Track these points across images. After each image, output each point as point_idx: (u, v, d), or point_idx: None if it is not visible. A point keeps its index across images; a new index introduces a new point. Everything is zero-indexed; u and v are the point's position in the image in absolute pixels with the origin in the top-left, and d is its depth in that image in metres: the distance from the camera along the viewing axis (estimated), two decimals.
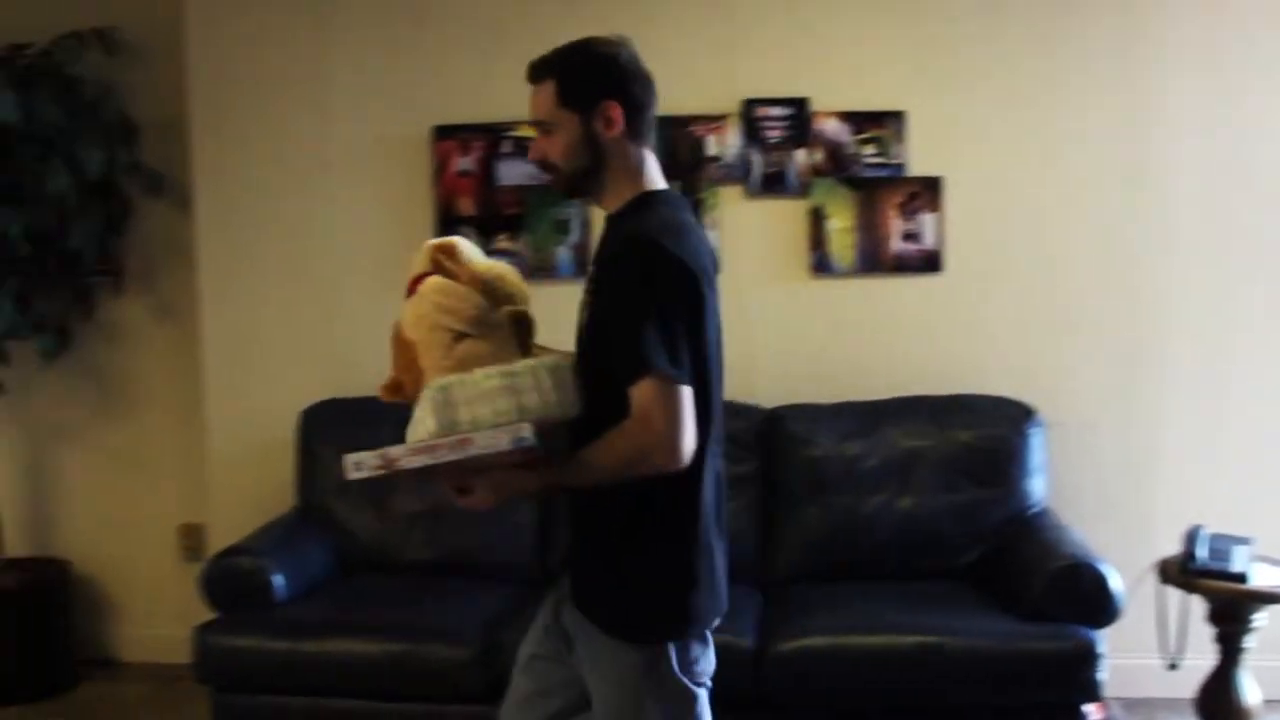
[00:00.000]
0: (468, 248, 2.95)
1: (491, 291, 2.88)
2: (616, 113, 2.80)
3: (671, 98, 5.14)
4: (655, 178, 2.89)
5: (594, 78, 2.83)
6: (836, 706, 4.26)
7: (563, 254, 5.25)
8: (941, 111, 5.14)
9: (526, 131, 5.20)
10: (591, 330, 2.79)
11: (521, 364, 2.75)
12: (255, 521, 5.01)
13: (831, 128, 5.13)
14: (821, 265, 5.16)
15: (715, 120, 5.16)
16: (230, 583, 4.54)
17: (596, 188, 2.87)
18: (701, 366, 2.72)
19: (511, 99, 5.21)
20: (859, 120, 5.13)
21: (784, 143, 5.14)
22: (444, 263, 2.88)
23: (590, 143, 2.81)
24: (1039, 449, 4.89)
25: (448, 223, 5.26)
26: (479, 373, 2.72)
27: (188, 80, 5.44)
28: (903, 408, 4.97)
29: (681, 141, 5.16)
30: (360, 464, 2.71)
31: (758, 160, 5.16)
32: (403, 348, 2.89)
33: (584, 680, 2.90)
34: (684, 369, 2.65)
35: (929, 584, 4.68)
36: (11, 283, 5.31)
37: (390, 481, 2.85)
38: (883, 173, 5.13)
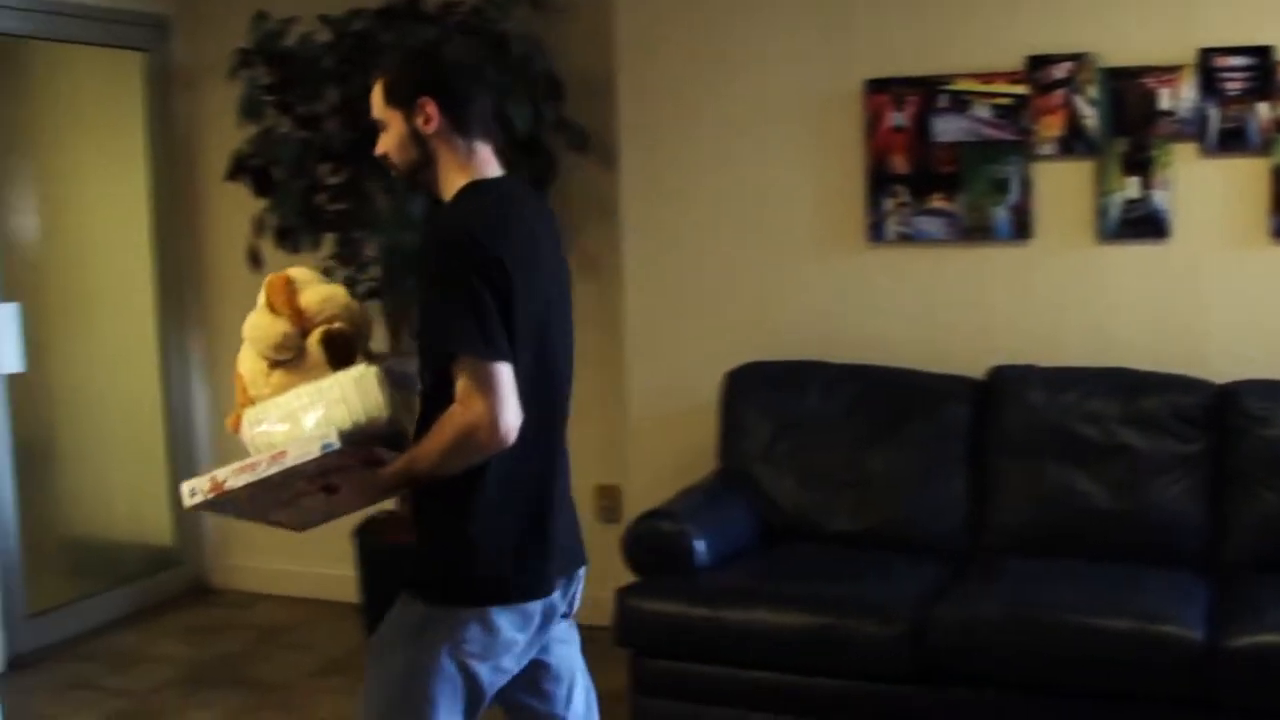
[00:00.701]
0: (303, 277, 3.17)
1: (309, 318, 3.08)
2: (432, 109, 2.94)
3: (1120, 48, 4.87)
4: (485, 168, 3.00)
5: (410, 77, 3.00)
6: None
7: (1000, 215, 4.97)
8: None
9: (964, 85, 4.96)
10: (419, 323, 2.95)
11: (329, 380, 2.98)
12: (672, 485, 4.94)
13: None
14: None
15: (1168, 72, 4.78)
16: (652, 546, 4.48)
17: (432, 180, 3.01)
18: (514, 348, 2.82)
19: (948, 51, 5.03)
20: None
21: (1245, 95, 4.72)
22: (270, 296, 3.11)
23: (415, 138, 2.96)
24: None
25: (879, 181, 5.06)
26: (290, 394, 2.99)
27: (615, 37, 5.40)
28: None
29: (1131, 95, 4.82)
30: (194, 489, 2.88)
31: (1215, 115, 4.75)
32: (238, 382, 3.13)
33: None
34: (497, 347, 2.76)
35: None
36: None
37: (243, 505, 3.00)
38: None
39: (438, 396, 2.83)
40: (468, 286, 2.76)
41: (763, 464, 4.87)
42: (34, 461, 6.03)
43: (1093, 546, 4.54)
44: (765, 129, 5.19)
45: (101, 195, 6.48)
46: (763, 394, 4.93)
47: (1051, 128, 4.91)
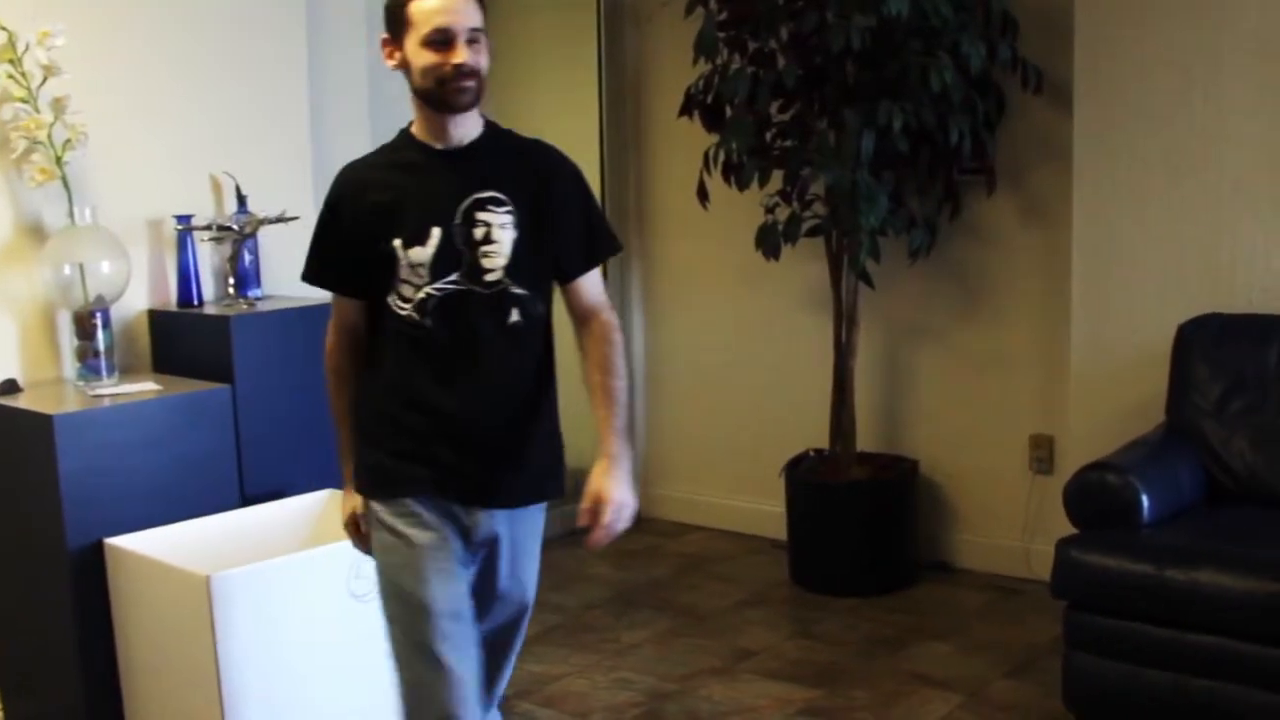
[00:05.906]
0: None
1: None
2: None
3: None
4: None
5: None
6: None
7: None
8: None
9: None
10: (535, 244, 3.04)
11: None
12: (1110, 438, 4.77)
13: None
14: None
15: None
16: (1095, 498, 4.34)
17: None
18: None
19: None
20: None
21: None
22: None
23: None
24: None
25: None
26: None
27: None
28: None
29: None
30: None
31: None
32: None
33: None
34: None
35: None
36: (888, 177, 5.35)
37: None
38: None
39: (537, 328, 3.08)
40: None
41: (1213, 421, 4.65)
42: None
43: None
44: (1227, 72, 4.89)
45: (556, 130, 6.66)
46: (1217, 348, 4.70)
47: None
